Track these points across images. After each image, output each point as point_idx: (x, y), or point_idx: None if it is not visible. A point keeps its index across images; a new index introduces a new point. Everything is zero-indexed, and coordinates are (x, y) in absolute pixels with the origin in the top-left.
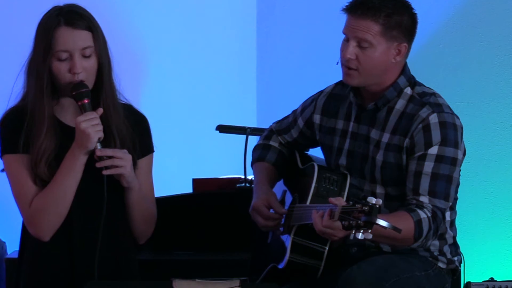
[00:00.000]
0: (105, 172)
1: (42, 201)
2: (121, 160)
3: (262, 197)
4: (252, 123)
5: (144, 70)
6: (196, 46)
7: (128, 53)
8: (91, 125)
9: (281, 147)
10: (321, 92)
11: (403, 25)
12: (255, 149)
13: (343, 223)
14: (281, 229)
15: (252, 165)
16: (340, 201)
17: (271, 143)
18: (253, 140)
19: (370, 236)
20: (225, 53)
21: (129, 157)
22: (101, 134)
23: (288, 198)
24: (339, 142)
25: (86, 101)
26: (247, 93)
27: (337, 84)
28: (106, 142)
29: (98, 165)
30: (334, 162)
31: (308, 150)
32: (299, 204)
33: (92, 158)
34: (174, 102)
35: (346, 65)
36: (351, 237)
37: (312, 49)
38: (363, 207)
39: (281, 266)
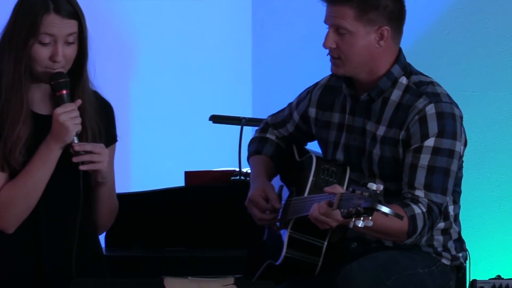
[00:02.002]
0: (82, 168)
1: (11, 193)
2: (99, 156)
3: (259, 188)
4: (247, 113)
5: (134, 59)
6: (189, 34)
7: (118, 41)
8: (70, 118)
9: (278, 140)
10: (316, 84)
11: (381, 7)
12: (251, 142)
13: (342, 211)
14: (278, 224)
15: (248, 159)
16: (337, 189)
17: (268, 136)
18: (248, 131)
19: (370, 224)
20: (219, 42)
21: (106, 152)
22: (79, 128)
23: (285, 193)
24: (335, 136)
25: (64, 91)
26: (242, 82)
27: (332, 75)
28: (79, 134)
29: (75, 159)
30: (331, 156)
31: (305, 145)
32: (297, 197)
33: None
34: (166, 92)
35: (330, 55)
36: (351, 225)
37: (308, 39)
38: (363, 193)
39: (277, 262)
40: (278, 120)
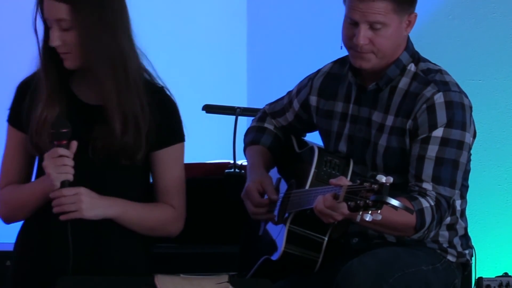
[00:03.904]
0: (62, 218)
1: (8, 197)
2: (69, 206)
3: (256, 180)
4: (242, 103)
5: None
6: (183, 22)
7: None
8: (55, 166)
9: (276, 131)
10: (318, 71)
11: None
12: (248, 132)
13: (349, 203)
14: (276, 219)
15: (244, 149)
16: (343, 181)
17: (266, 125)
18: (243, 121)
19: (379, 217)
20: (214, 30)
21: (80, 198)
22: (65, 177)
23: (283, 187)
24: (338, 126)
25: (64, 142)
26: (237, 70)
27: (335, 62)
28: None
29: (54, 210)
30: (334, 148)
31: (305, 136)
32: (297, 190)
33: (80, 148)
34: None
35: (359, 50)
36: (358, 219)
37: (304, 28)
38: (372, 186)
39: (275, 257)
40: (277, 109)
